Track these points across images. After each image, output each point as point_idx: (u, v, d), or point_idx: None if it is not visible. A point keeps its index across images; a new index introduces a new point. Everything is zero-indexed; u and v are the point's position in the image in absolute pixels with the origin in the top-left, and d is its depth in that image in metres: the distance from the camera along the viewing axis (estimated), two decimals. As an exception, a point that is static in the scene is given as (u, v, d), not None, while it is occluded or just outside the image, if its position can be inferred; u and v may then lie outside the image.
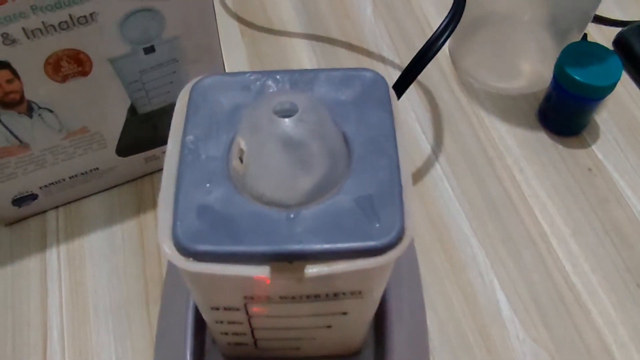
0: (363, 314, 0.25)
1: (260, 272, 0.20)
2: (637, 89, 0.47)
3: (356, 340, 0.28)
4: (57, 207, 0.40)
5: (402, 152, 0.23)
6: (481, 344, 0.36)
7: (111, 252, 0.39)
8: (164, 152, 0.40)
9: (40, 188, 0.38)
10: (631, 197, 0.41)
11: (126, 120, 0.37)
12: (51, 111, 0.34)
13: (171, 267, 0.36)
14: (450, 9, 0.38)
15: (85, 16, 0.30)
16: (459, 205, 0.41)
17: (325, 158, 0.21)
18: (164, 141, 0.39)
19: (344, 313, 0.24)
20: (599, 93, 0.40)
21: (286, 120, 0.20)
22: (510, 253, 0.39)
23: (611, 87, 0.40)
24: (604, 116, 0.45)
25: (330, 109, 0.23)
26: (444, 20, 0.38)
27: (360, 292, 0.22)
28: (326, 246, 0.20)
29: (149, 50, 0.34)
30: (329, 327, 0.25)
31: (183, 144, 0.23)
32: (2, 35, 0.29)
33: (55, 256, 0.38)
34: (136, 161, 0.40)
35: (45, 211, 0.40)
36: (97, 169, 0.39)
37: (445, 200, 0.41)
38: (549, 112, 0.44)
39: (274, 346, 0.27)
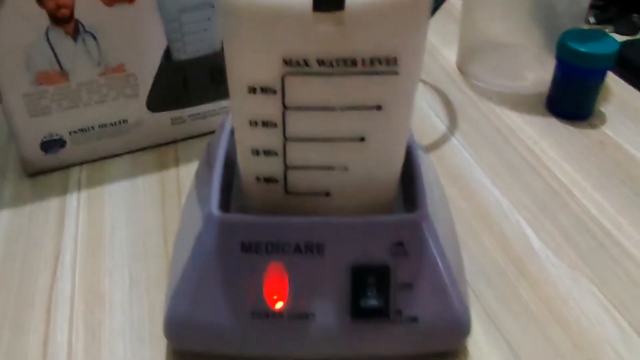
0: (397, 115, 0.25)
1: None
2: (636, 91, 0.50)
3: (387, 193, 0.28)
4: (81, 163, 0.41)
5: None
6: (514, 271, 0.34)
7: (131, 199, 0.38)
8: (189, 116, 0.42)
9: (70, 134, 0.39)
10: (647, 163, 0.42)
11: (160, 66, 0.39)
12: (94, 38, 0.36)
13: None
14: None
15: (139, -62, 0.34)
16: (479, 169, 0.41)
17: None
18: (191, 102, 0.42)
19: (379, 107, 0.24)
20: (601, 62, 0.43)
21: None
22: (533, 200, 0.38)
23: (612, 57, 0.43)
24: (610, 108, 0.47)
25: None
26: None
27: (395, 60, 0.23)
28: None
29: (190, -12, 0.37)
30: (362, 140, 0.25)
31: None
32: (65, -57, 0.33)
33: (75, 199, 0.38)
34: (163, 121, 0.42)
35: (69, 166, 0.41)
36: (126, 121, 0.40)
37: (464, 164, 0.42)
38: (557, 96, 0.46)
39: (305, 186, 0.27)
